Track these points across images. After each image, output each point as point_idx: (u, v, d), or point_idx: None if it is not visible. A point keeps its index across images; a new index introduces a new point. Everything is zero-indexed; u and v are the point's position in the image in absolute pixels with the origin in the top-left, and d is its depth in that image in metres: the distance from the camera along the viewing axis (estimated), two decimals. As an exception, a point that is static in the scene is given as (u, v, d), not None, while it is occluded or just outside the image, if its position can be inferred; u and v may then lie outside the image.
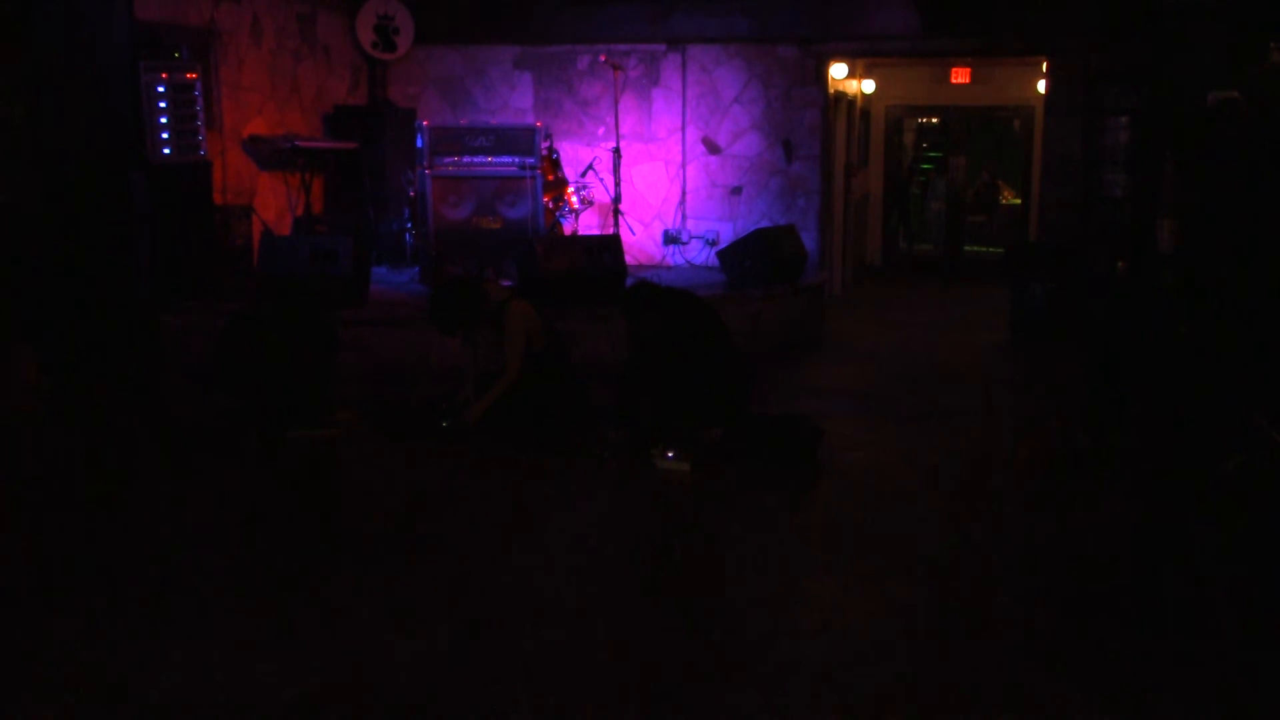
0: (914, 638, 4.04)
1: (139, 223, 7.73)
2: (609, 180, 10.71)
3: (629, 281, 8.90)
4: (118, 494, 5.63)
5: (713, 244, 11.11)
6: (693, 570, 4.72)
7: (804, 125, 11.03)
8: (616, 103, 10.71)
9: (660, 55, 11.15)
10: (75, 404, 7.16)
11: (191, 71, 8.25)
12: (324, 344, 6.81)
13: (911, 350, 9.65)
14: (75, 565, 4.66)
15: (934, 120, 16.28)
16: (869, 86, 13.84)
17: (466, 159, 9.29)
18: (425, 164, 9.16)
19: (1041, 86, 12.20)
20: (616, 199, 10.58)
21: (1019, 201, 15.24)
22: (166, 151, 8.06)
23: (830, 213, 11.71)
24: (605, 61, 10.70)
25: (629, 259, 9.68)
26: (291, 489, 5.79)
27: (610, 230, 10.57)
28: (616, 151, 10.54)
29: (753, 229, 10.12)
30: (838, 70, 11.58)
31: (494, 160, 9.34)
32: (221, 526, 5.17)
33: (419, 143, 9.25)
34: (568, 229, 10.42)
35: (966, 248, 15.70)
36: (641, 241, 11.30)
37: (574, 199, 10.29)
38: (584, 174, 10.70)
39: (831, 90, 11.38)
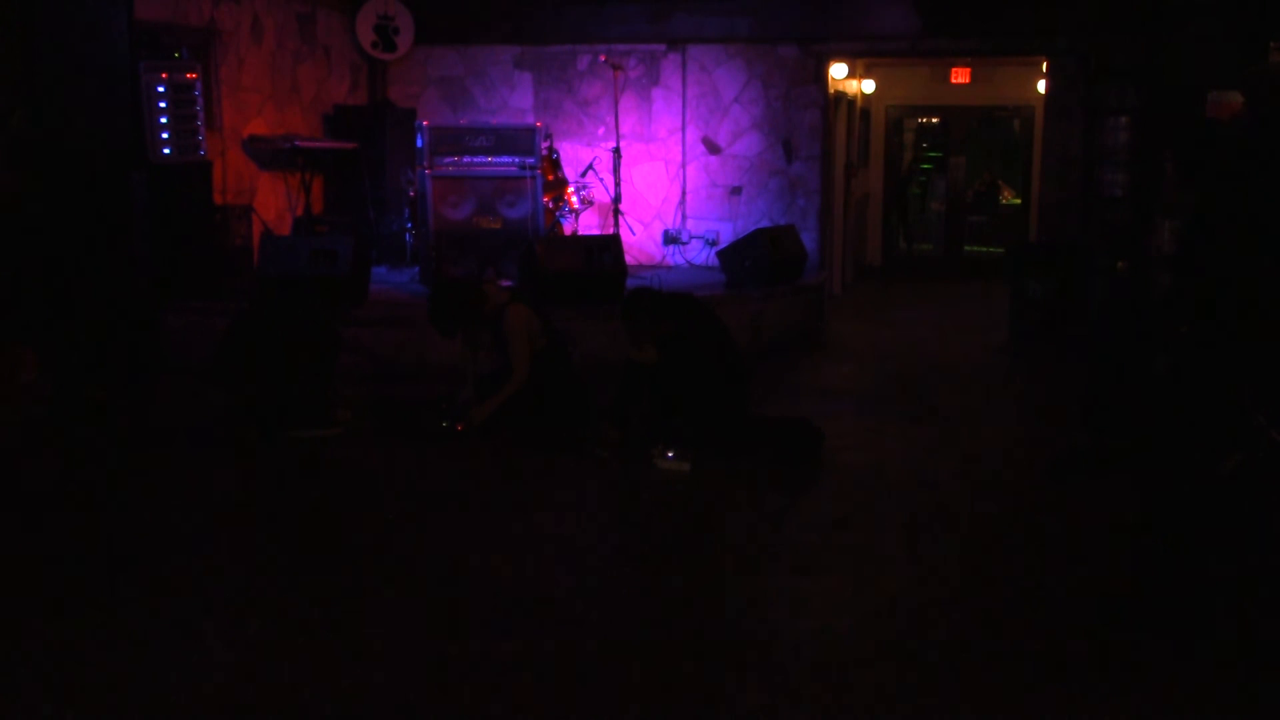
0: (914, 637, 4.04)
1: (139, 222, 7.73)
2: (609, 180, 10.71)
3: (629, 282, 8.91)
4: (118, 494, 5.63)
5: (713, 244, 11.11)
6: (693, 570, 4.72)
7: (804, 125, 11.03)
8: (616, 103, 10.71)
9: (660, 55, 11.15)
10: (75, 404, 7.16)
11: (191, 71, 8.25)
12: (324, 344, 6.80)
13: (911, 350, 9.66)
14: (75, 565, 4.66)
15: (934, 120, 16.28)
16: (869, 86, 13.85)
17: (466, 159, 9.29)
18: (425, 164, 9.16)
19: (1041, 86, 12.20)
20: (616, 199, 10.58)
21: (1019, 201, 15.25)
22: (166, 151, 8.05)
23: (830, 213, 11.71)
24: (605, 61, 10.70)
25: (629, 259, 9.68)
26: (291, 489, 5.79)
27: (610, 230, 10.57)
28: (616, 151, 10.54)
29: (753, 229, 10.12)
30: (838, 70, 11.57)
31: (494, 160, 9.34)
32: (221, 526, 5.17)
33: (419, 143, 9.25)
34: (568, 229, 10.41)
35: (966, 248, 15.71)
36: (641, 241, 11.30)
37: (574, 199, 10.29)
38: (584, 174, 10.70)
39: (831, 90, 11.37)
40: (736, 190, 11.25)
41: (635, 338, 6.34)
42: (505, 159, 9.35)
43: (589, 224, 11.07)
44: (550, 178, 10.00)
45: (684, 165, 11.29)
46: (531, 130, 9.42)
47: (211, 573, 4.59)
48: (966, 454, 6.43)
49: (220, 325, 6.99)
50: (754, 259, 9.46)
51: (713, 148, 11.23)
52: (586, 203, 10.50)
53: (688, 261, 11.21)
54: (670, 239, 11.33)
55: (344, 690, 3.62)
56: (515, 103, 11.41)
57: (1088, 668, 3.80)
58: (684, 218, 11.33)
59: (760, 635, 4.05)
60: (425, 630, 4.06)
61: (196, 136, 8.30)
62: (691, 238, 11.32)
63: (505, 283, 8.57)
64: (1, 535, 5.06)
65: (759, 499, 5.63)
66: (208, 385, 6.89)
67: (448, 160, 9.24)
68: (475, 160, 9.30)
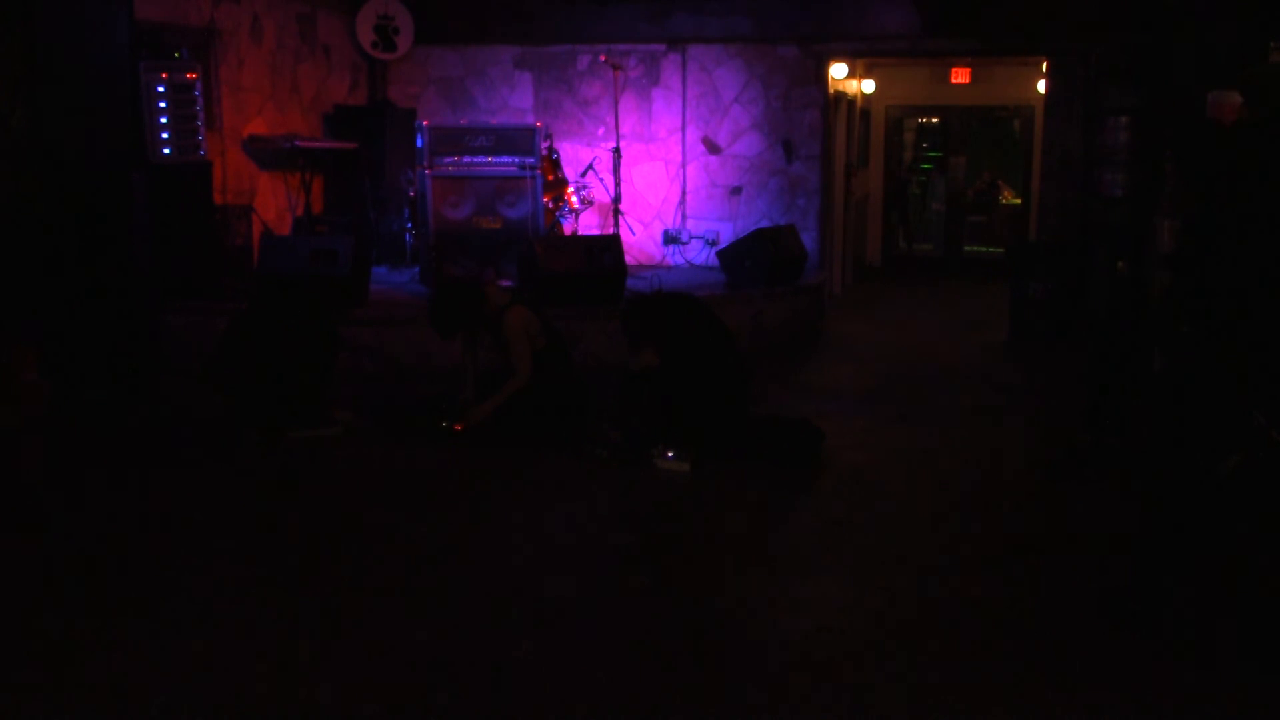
0: (913, 637, 4.04)
1: (139, 222, 7.73)
2: (609, 180, 10.71)
3: (629, 281, 8.92)
4: (118, 494, 5.63)
5: (713, 244, 11.11)
6: (693, 570, 4.72)
7: (804, 125, 11.03)
8: (616, 103, 10.71)
9: (660, 55, 11.15)
10: (75, 404, 7.16)
11: (191, 71, 8.25)
12: (324, 344, 6.81)
13: (911, 350, 9.66)
14: (76, 566, 4.66)
15: (934, 120, 16.28)
16: (869, 86, 13.85)
17: (466, 159, 9.29)
18: (425, 164, 9.16)
19: (1041, 86, 12.20)
20: (616, 199, 10.58)
21: (1019, 201, 15.25)
22: (166, 151, 8.06)
23: (830, 213, 11.71)
24: (605, 61, 10.70)
25: (629, 259, 9.68)
26: (291, 489, 5.79)
27: (610, 230, 10.57)
28: (616, 151, 10.55)
29: (753, 229, 10.12)
30: (838, 70, 11.57)
31: (494, 160, 9.34)
32: (221, 526, 5.17)
33: (419, 143, 9.25)
34: (568, 229, 10.42)
35: (966, 248, 15.71)
36: (641, 241, 11.30)
37: (574, 199, 10.29)
38: (584, 174, 10.70)
39: (831, 90, 11.38)
40: (736, 190, 11.25)
41: (635, 345, 6.34)
42: (505, 159, 9.35)
43: (589, 224, 11.07)
44: (550, 178, 10.01)
45: (684, 165, 11.29)
46: (531, 130, 9.42)
47: (211, 573, 4.59)
48: (966, 453, 6.43)
49: (220, 325, 6.99)
50: (754, 259, 9.46)
51: (713, 148, 11.23)
52: (586, 203, 10.50)
53: (688, 261, 11.21)
54: (670, 239, 11.34)
55: (344, 690, 3.62)
56: (515, 103, 11.42)
57: (1088, 668, 3.80)
58: (684, 218, 11.33)
59: (760, 635, 4.05)
60: (425, 630, 4.06)
61: (196, 136, 8.30)
62: (691, 238, 11.32)
63: (505, 283, 8.57)
64: (1, 535, 5.06)
65: (759, 499, 5.63)
66: (207, 386, 6.89)
67: (448, 160, 9.24)
68: (475, 160, 9.30)
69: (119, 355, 7.66)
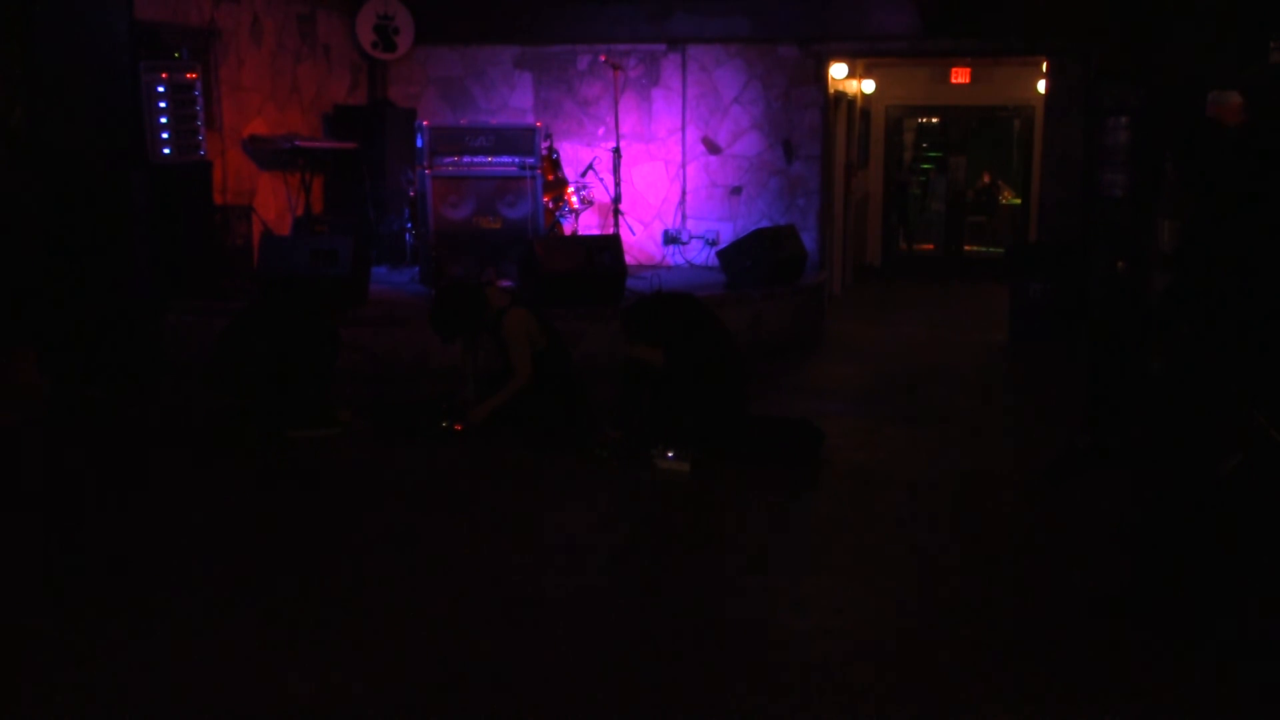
0: (914, 638, 4.04)
1: (139, 222, 7.73)
2: (609, 180, 10.71)
3: (629, 281, 8.91)
4: (118, 494, 5.63)
5: (713, 244, 11.11)
6: (693, 570, 4.72)
7: (804, 125, 11.03)
8: (616, 103, 10.71)
9: (660, 55, 11.15)
10: (76, 404, 7.16)
11: (191, 71, 8.24)
12: (324, 344, 6.80)
13: (911, 350, 9.66)
14: (74, 566, 4.66)
15: (934, 120, 16.28)
16: (869, 86, 13.85)
17: (466, 159, 9.29)
18: (425, 164, 9.15)
19: (1041, 86, 12.20)
20: (616, 199, 10.57)
21: (1019, 201, 15.25)
22: (166, 151, 8.05)
23: (830, 213, 11.71)
24: (605, 61, 10.70)
25: (629, 259, 9.68)
26: (291, 489, 5.79)
27: (610, 230, 10.57)
28: (616, 151, 10.54)
29: (753, 229, 10.12)
30: (838, 70, 11.58)
31: (494, 160, 9.33)
32: (221, 526, 5.17)
33: (419, 143, 9.25)
34: (568, 229, 10.41)
35: (966, 248, 15.71)
36: (641, 241, 11.30)
37: (574, 199, 10.29)
38: (584, 174, 10.70)
39: (831, 90, 11.38)
40: (736, 190, 11.25)
41: (636, 346, 6.33)
42: (505, 159, 9.34)
43: (589, 224, 11.07)
44: (550, 178, 10.00)
45: (684, 165, 11.29)
46: (531, 130, 9.42)
47: (210, 573, 4.59)
48: (966, 454, 6.43)
49: (220, 325, 6.99)
50: (754, 259, 9.46)
51: (713, 148, 11.23)
52: (586, 203, 10.49)
53: (688, 261, 11.21)
54: (670, 239, 11.34)
55: (345, 690, 3.62)
56: (515, 103, 11.41)
57: (1088, 668, 3.80)
58: (684, 218, 11.33)
59: (760, 635, 4.05)
60: (426, 630, 4.06)
61: (196, 136, 8.30)
62: (691, 238, 11.32)
63: (505, 283, 8.57)
64: (2, 536, 5.05)
65: (759, 499, 5.63)
66: (207, 386, 6.89)
67: (448, 160, 9.23)
68: (475, 160, 9.30)
69: (119, 355, 7.66)
